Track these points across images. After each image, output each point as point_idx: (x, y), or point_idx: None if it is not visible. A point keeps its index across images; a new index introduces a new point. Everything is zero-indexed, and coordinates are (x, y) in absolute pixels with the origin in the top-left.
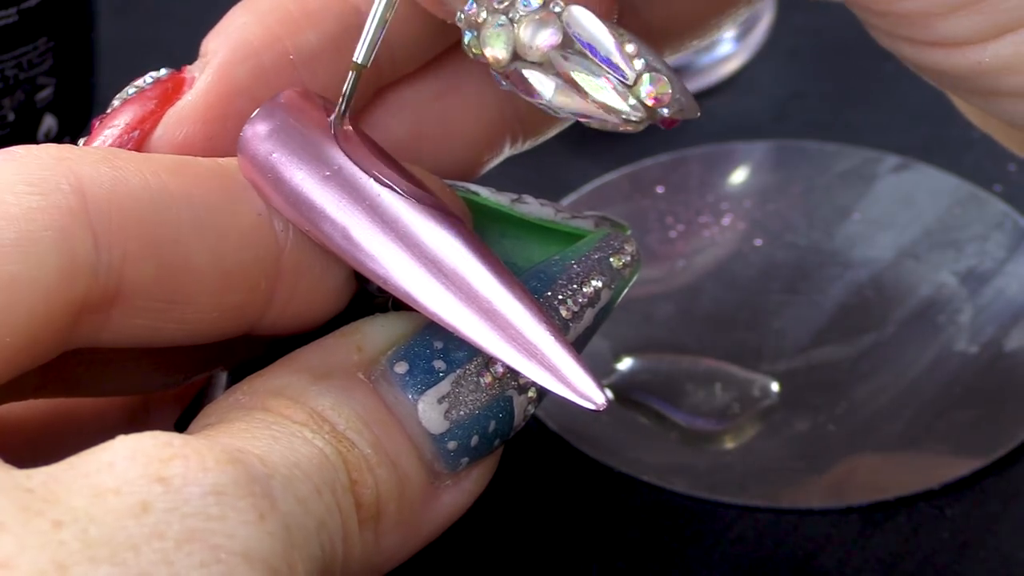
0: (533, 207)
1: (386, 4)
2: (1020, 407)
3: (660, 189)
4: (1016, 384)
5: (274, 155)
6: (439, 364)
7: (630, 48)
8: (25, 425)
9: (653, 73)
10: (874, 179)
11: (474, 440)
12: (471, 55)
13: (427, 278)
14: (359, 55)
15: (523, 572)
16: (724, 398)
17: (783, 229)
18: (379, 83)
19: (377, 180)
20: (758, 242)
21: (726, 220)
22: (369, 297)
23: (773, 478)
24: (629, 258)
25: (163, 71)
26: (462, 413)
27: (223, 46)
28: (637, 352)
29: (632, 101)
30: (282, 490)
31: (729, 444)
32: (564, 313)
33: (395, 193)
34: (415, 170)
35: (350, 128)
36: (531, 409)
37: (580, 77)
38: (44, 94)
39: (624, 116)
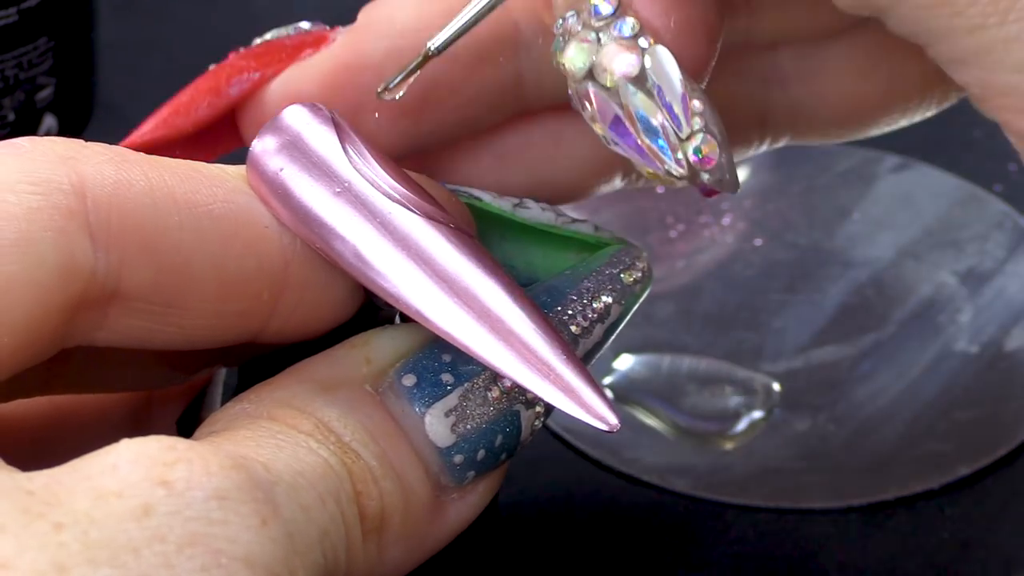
0: (534, 211)
1: (484, 6)
2: (1020, 407)
3: (660, 189)
4: (1016, 384)
5: (284, 171)
6: (447, 377)
7: (696, 104)
8: (28, 424)
9: (706, 135)
10: (874, 179)
11: (480, 454)
12: (553, 62)
13: (440, 297)
14: (436, 42)
15: (522, 572)
16: (724, 398)
17: (783, 229)
18: (520, 110)
19: (388, 197)
20: (758, 242)
21: (726, 220)
22: (376, 306)
23: (773, 478)
24: (640, 274)
25: (309, 24)
26: (469, 427)
27: (371, 18)
28: (637, 351)
29: (679, 155)
30: (286, 497)
31: (729, 444)
32: (574, 329)
33: (407, 210)
34: (420, 179)
35: (359, 142)
36: (538, 424)
37: (639, 115)
38: (44, 94)
39: (667, 168)
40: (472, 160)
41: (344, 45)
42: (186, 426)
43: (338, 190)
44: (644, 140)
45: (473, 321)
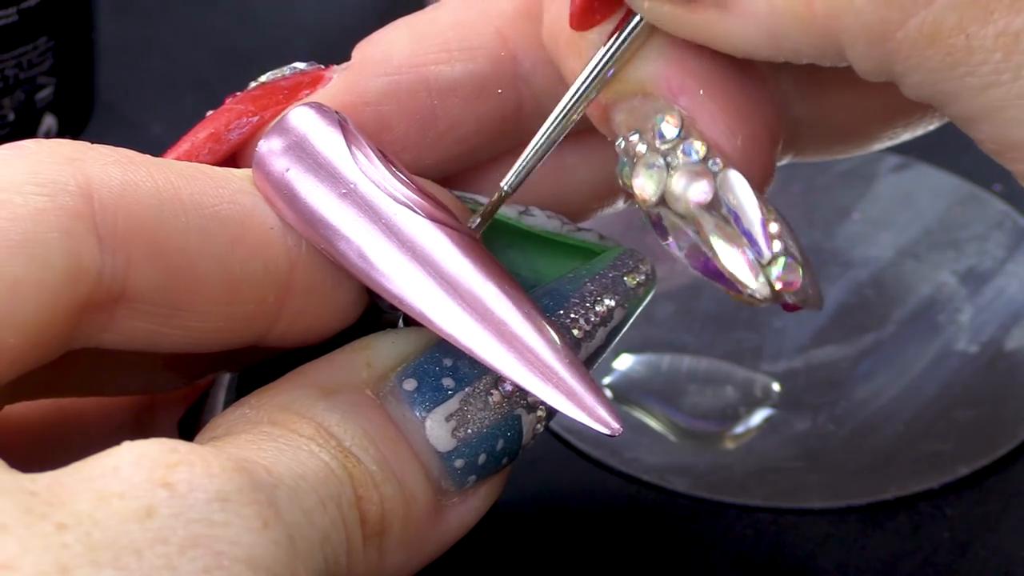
0: (540, 219)
1: (547, 140)
2: (1020, 406)
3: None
4: (1016, 383)
5: (289, 172)
6: (448, 382)
7: (773, 228)
8: (32, 425)
9: (788, 259)
10: (874, 179)
11: (481, 458)
12: (621, 183)
13: (443, 299)
14: (508, 182)
15: (522, 572)
16: (724, 398)
17: None
18: (521, 140)
19: (394, 199)
20: None
21: None
22: (380, 311)
23: (773, 478)
24: (644, 277)
25: (304, 64)
26: (470, 431)
27: (366, 56)
28: (637, 351)
29: (761, 279)
30: (287, 500)
31: (729, 444)
32: (576, 332)
33: (412, 212)
34: (426, 184)
35: (366, 144)
36: (540, 428)
37: (717, 242)
38: (44, 94)
39: (749, 292)
40: (476, 189)
41: (341, 84)
42: (187, 428)
43: (344, 191)
44: (725, 266)
45: (476, 324)
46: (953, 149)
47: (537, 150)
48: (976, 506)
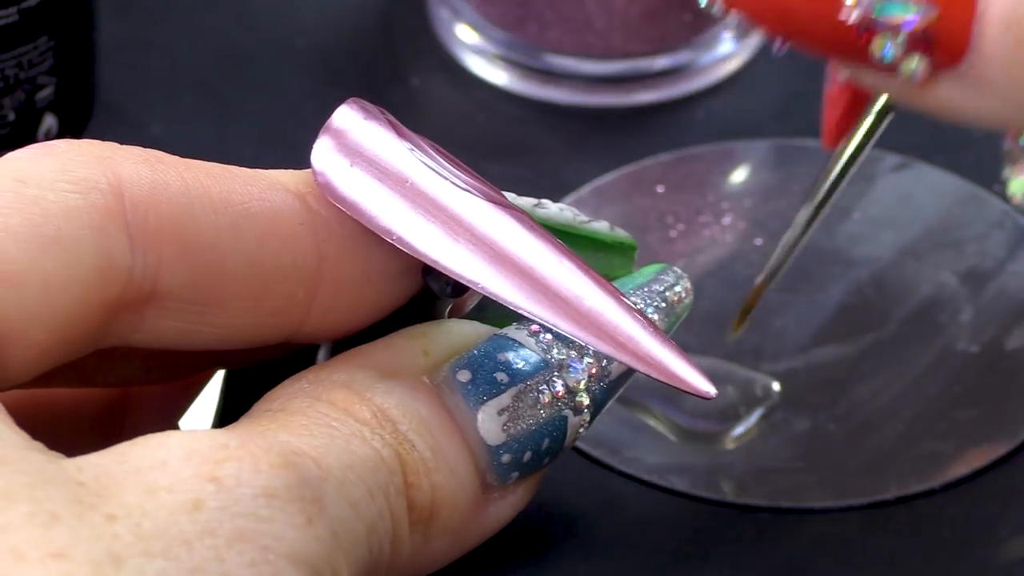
0: (552, 211)
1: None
2: (1020, 406)
3: (660, 188)
4: (1017, 383)
5: (352, 168)
6: (502, 376)
7: None
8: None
9: None
10: (874, 178)
11: (527, 455)
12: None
13: (521, 279)
14: (766, 272)
15: (521, 571)
16: (724, 398)
17: (783, 228)
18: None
19: (455, 185)
20: (758, 241)
21: (726, 219)
22: (432, 297)
23: (773, 478)
24: (684, 293)
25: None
26: (520, 427)
27: None
28: None
29: None
30: (334, 493)
31: (729, 444)
32: None
33: (475, 196)
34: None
35: (411, 134)
36: (583, 431)
37: None
38: (44, 94)
39: None
40: None
41: None
42: (235, 383)
43: (405, 182)
44: None
45: (558, 305)
46: (953, 149)
47: (797, 233)
48: (976, 506)
